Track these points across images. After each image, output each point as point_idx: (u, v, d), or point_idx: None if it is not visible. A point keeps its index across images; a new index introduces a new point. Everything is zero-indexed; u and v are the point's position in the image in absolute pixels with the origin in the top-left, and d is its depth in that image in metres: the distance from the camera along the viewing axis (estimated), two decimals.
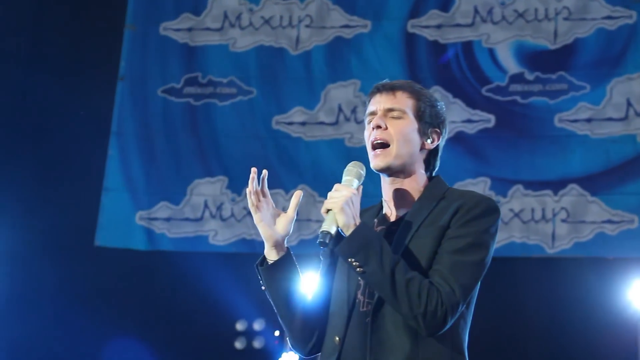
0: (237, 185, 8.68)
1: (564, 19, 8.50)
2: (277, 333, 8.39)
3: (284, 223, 3.01)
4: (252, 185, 3.02)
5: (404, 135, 2.89)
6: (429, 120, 2.93)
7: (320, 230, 2.70)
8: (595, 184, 8.01)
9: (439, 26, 8.67)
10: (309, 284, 7.93)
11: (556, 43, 8.44)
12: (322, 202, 7.77)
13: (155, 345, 8.28)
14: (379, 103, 2.93)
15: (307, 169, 8.57)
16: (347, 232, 2.70)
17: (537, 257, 7.97)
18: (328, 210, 2.75)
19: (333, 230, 2.71)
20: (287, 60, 8.85)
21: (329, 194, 2.78)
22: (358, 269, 2.68)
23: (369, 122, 2.95)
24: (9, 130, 9.03)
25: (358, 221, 2.73)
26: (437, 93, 8.28)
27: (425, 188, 2.93)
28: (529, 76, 8.39)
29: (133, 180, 8.87)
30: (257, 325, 8.46)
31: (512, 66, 8.46)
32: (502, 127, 8.33)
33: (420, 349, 2.69)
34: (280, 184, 8.55)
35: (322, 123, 8.63)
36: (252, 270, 8.18)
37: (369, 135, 2.92)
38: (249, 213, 8.41)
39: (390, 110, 2.91)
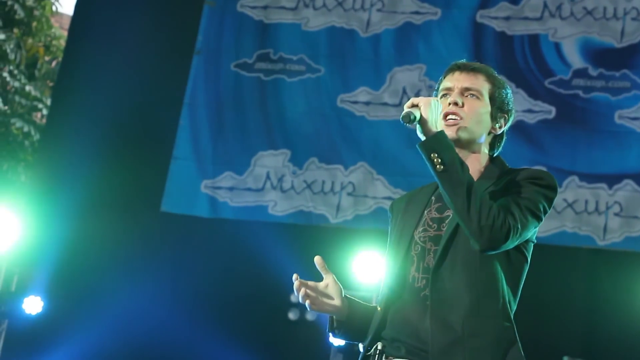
0: (299, 159, 8.89)
1: (632, 19, 8.53)
2: None
3: (333, 285, 2.99)
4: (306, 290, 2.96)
5: (477, 115, 2.91)
6: (500, 105, 2.96)
7: (404, 112, 2.72)
8: None
9: (507, 18, 8.78)
10: (364, 261, 8.02)
11: (622, 42, 8.48)
12: (380, 180, 7.97)
13: (210, 311, 8.49)
14: (457, 81, 2.95)
15: (368, 147, 8.72)
16: (430, 130, 2.72)
17: (587, 247, 8.02)
18: (413, 106, 2.75)
19: (417, 114, 2.71)
20: (357, 41, 9.02)
21: (413, 98, 2.79)
22: (439, 166, 2.69)
23: (443, 97, 2.97)
24: (89, 96, 9.35)
25: (440, 127, 2.76)
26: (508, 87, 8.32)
27: (486, 168, 2.96)
28: (593, 72, 8.45)
29: (201, 150, 9.12)
30: None
31: (577, 61, 8.52)
32: (562, 119, 8.40)
33: (478, 308, 2.74)
34: (340, 160, 8.76)
35: (385, 104, 8.78)
36: (309, 242, 8.36)
37: (443, 109, 2.90)
38: (308, 186, 8.74)
39: (468, 89, 2.93)
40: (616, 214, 8.03)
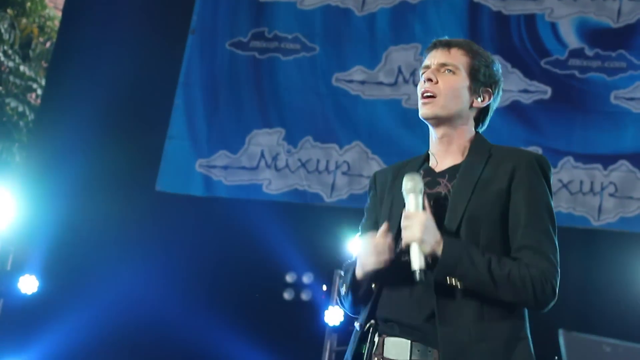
0: (294, 138, 8.87)
1: None
2: (324, 287, 8.59)
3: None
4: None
5: (452, 90, 2.94)
6: (482, 79, 2.97)
7: (412, 270, 2.72)
8: None
9: None
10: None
11: (619, 22, 8.46)
12: (375, 159, 8.01)
13: (205, 291, 8.51)
14: (433, 58, 2.98)
15: (363, 126, 8.71)
16: (436, 255, 2.73)
17: (582, 228, 8.01)
18: (409, 245, 2.77)
19: (423, 263, 2.73)
20: (352, 20, 8.99)
21: (403, 224, 2.79)
22: (457, 283, 2.73)
23: (422, 75, 3.02)
24: (84, 77, 9.33)
25: (440, 240, 2.75)
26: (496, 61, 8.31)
27: (471, 143, 2.98)
28: (589, 52, 8.43)
29: (196, 129, 9.11)
30: (306, 279, 8.64)
31: (573, 41, 8.50)
32: (558, 99, 8.37)
33: (487, 310, 2.76)
34: (335, 139, 8.75)
35: (381, 83, 8.76)
36: (303, 221, 8.36)
37: (420, 87, 2.99)
38: (303, 165, 8.75)
39: (444, 65, 2.96)
40: (611, 195, 8.04)
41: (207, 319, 8.22)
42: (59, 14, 12.61)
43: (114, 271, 8.51)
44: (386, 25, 8.91)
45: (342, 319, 8.27)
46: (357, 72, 8.84)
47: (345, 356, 2.92)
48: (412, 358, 2.77)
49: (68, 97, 9.35)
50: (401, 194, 2.90)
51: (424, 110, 2.95)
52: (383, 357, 2.83)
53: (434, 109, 2.93)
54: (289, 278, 8.70)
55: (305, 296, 8.69)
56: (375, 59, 8.83)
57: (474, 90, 2.97)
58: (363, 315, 2.91)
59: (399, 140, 8.46)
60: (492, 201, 2.82)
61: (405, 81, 8.70)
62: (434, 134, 3.01)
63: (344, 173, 8.66)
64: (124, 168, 8.90)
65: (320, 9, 9.10)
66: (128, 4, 9.53)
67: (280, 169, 8.82)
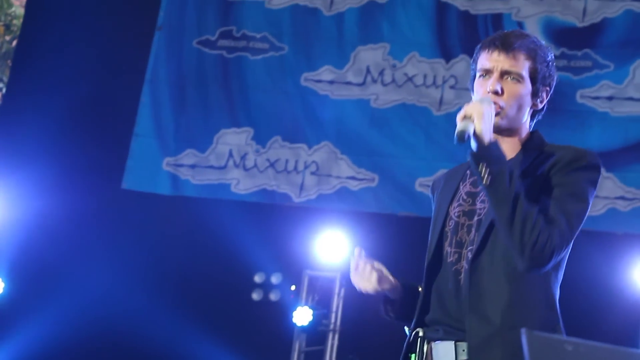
0: (262, 137, 8.84)
1: None
2: (293, 287, 8.59)
3: (378, 265, 2.97)
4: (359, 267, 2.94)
5: (518, 100, 2.85)
6: (542, 80, 2.91)
7: (458, 129, 2.65)
8: (611, 161, 7.99)
9: None
10: (328, 241, 8.06)
11: (584, 21, 8.51)
12: (344, 159, 7.97)
13: (172, 291, 8.47)
14: (496, 62, 2.85)
15: (331, 126, 8.70)
16: (483, 141, 2.66)
17: None
18: (464, 118, 2.69)
19: (471, 130, 2.66)
20: (321, 20, 8.97)
21: (466, 105, 2.73)
22: (486, 178, 2.66)
23: (481, 77, 2.89)
24: (49, 74, 9.25)
25: (493, 137, 2.71)
26: (464, 62, 8.40)
27: (525, 142, 2.91)
28: (555, 51, 8.40)
29: (162, 127, 9.06)
30: (275, 279, 8.65)
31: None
32: None
33: (519, 298, 2.72)
34: (304, 138, 8.74)
35: (349, 83, 8.76)
36: (272, 221, 8.30)
37: (482, 93, 2.85)
38: (272, 164, 8.74)
39: (508, 72, 2.84)
40: None
41: (175, 319, 8.20)
42: None
43: (81, 270, 8.49)
44: (354, 25, 8.91)
45: (310, 319, 8.28)
46: (326, 72, 8.84)
47: None
48: (459, 358, 2.76)
49: (32, 94, 9.33)
50: (448, 192, 2.95)
51: None
52: None
53: (500, 121, 2.83)
54: (258, 278, 8.70)
55: (274, 296, 8.69)
56: (344, 59, 8.83)
57: (534, 94, 2.91)
58: (413, 320, 2.90)
59: (367, 140, 8.50)
60: (533, 184, 2.76)
61: (374, 81, 8.70)
62: None
63: (312, 173, 8.64)
64: (90, 166, 8.85)
65: (289, 9, 9.07)
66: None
67: (249, 168, 8.79)
